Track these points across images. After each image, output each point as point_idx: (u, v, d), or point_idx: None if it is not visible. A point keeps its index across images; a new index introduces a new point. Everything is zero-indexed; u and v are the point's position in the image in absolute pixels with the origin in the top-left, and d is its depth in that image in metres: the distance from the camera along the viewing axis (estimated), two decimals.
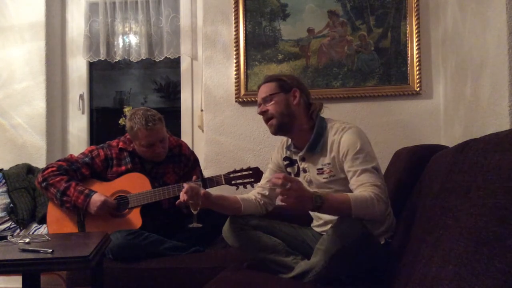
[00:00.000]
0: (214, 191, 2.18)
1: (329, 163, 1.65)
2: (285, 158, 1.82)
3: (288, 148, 1.80)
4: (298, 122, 1.71)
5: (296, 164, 1.78)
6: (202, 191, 1.66)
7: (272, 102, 1.70)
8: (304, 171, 1.75)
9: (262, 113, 1.73)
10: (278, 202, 1.69)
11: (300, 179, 1.76)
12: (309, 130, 1.71)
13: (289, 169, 1.82)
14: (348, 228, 1.41)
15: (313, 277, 1.48)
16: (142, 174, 2.20)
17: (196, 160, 2.42)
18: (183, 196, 1.63)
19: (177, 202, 1.68)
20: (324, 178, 1.67)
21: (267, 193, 1.84)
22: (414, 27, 2.65)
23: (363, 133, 1.65)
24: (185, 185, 1.69)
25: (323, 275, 1.46)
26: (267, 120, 1.73)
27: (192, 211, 1.65)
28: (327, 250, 1.43)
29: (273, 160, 1.88)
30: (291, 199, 1.34)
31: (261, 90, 1.76)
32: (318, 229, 1.79)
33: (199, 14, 2.98)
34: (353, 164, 1.56)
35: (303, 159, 1.74)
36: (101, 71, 3.42)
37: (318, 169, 1.68)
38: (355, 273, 1.46)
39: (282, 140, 1.88)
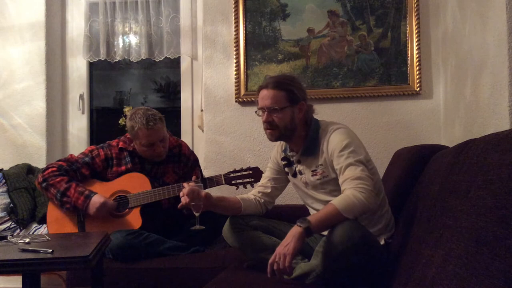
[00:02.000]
0: (214, 191, 2.19)
1: (321, 165, 1.68)
2: (284, 159, 1.84)
3: (284, 151, 1.83)
4: (297, 131, 1.72)
5: (294, 165, 1.80)
6: (203, 192, 1.66)
7: (279, 114, 1.68)
8: (300, 173, 1.77)
9: (267, 122, 1.70)
10: (278, 201, 1.69)
11: (297, 180, 1.80)
12: (305, 136, 1.73)
13: (287, 169, 1.83)
14: (347, 231, 1.41)
15: (313, 279, 1.50)
16: (142, 174, 2.21)
17: (196, 160, 2.42)
18: (185, 199, 1.64)
19: (179, 205, 1.68)
20: (317, 179, 1.70)
21: (269, 191, 1.86)
22: (414, 27, 2.65)
23: (351, 132, 1.68)
24: (185, 185, 1.69)
25: (323, 278, 1.48)
26: (269, 129, 1.71)
27: (195, 213, 1.65)
28: (327, 253, 1.45)
29: (272, 159, 1.90)
30: (284, 252, 1.40)
31: (267, 94, 1.69)
32: None
33: (199, 14, 2.98)
34: (339, 161, 1.59)
35: (298, 162, 1.77)
36: (101, 71, 3.41)
37: (312, 171, 1.71)
38: (355, 275, 1.46)
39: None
